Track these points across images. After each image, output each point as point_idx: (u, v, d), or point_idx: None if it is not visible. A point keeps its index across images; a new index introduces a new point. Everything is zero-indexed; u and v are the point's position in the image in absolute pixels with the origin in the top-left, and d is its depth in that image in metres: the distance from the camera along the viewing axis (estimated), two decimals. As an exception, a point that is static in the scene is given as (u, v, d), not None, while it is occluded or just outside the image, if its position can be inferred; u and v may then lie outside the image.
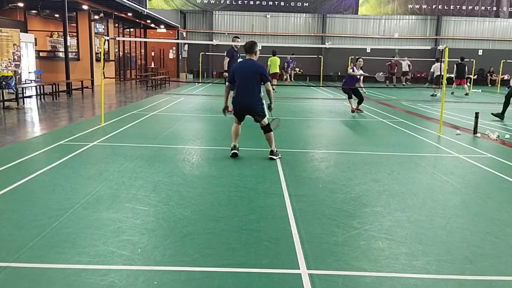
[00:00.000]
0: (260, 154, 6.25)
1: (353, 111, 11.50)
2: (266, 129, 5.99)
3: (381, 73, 21.94)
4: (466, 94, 19.34)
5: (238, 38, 10.94)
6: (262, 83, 5.91)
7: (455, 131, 8.73)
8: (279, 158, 5.95)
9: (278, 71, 18.83)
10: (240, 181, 4.86)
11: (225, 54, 10.68)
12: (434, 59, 22.45)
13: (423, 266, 2.93)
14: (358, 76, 11.54)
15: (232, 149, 6.03)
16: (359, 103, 11.66)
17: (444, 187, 4.85)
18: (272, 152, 6.01)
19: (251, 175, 5.10)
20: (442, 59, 23.42)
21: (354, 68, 11.60)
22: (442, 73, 21.14)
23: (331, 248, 3.16)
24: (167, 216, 3.69)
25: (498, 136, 8.06)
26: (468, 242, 3.36)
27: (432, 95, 18.95)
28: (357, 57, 12.06)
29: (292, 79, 27.51)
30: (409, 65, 25.26)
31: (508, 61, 26.00)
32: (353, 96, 11.50)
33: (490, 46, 30.65)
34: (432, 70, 20.10)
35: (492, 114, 10.32)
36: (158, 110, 11.29)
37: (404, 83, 25.04)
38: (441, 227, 3.65)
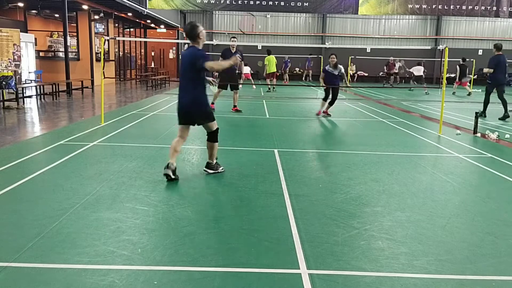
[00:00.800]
0: (260, 154, 6.25)
1: (318, 114, 10.78)
2: (212, 136, 4.99)
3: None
4: (469, 94, 19.40)
5: (235, 38, 10.99)
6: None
7: (455, 131, 8.73)
8: (218, 172, 5.07)
9: (275, 70, 18.79)
10: (240, 181, 4.86)
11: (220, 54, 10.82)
12: (420, 61, 23.23)
13: (423, 266, 2.93)
14: (337, 73, 10.47)
15: (165, 167, 4.68)
16: (330, 104, 10.75)
17: (444, 187, 4.85)
18: (209, 165, 5.08)
19: (251, 175, 5.10)
20: (423, 62, 23.77)
21: (328, 68, 10.52)
22: (421, 74, 21.73)
23: (331, 248, 3.16)
24: (167, 216, 3.69)
25: (498, 136, 8.06)
26: (468, 242, 3.36)
27: (410, 90, 21.46)
28: (330, 54, 10.71)
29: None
30: (400, 67, 25.12)
31: (508, 60, 25.97)
32: (329, 97, 10.57)
33: (490, 46, 30.52)
34: (411, 70, 22.13)
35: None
36: (158, 110, 11.29)
37: (391, 84, 24.86)
38: (441, 227, 3.65)
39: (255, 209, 3.96)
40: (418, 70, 22.03)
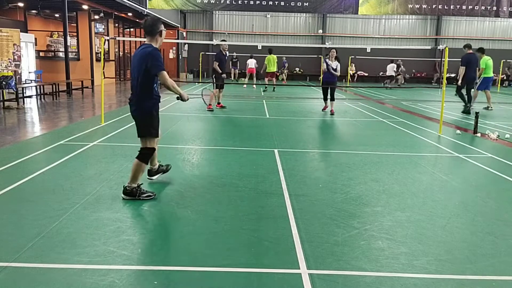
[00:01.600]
0: (260, 154, 6.25)
1: (324, 109, 11.74)
2: (141, 154, 4.10)
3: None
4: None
5: (225, 40, 11.21)
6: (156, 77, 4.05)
7: (455, 131, 8.73)
8: (139, 199, 4.04)
9: (275, 70, 18.78)
10: (240, 181, 4.86)
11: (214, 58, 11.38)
12: (394, 59, 23.11)
13: (423, 266, 2.93)
14: (334, 67, 10.88)
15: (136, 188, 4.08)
16: (330, 100, 11.26)
17: (444, 187, 4.85)
18: (126, 190, 4.04)
19: (251, 175, 5.10)
20: (398, 61, 23.75)
21: (327, 60, 10.94)
22: (393, 74, 22.01)
23: (331, 248, 3.16)
24: (167, 216, 3.69)
25: (498, 136, 8.06)
26: (468, 242, 3.36)
27: (386, 87, 22.03)
28: (330, 48, 11.27)
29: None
30: (396, 68, 24.97)
31: (508, 60, 25.99)
32: (327, 96, 11.28)
33: (490, 45, 30.61)
34: (387, 69, 22.63)
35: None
36: (158, 110, 11.27)
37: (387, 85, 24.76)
38: (441, 227, 3.65)
39: (255, 209, 3.96)
40: (390, 69, 22.14)
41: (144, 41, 4.19)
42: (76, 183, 4.55)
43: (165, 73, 4.01)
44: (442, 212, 4.00)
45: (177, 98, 4.32)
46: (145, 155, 4.12)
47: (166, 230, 3.41)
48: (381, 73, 27.11)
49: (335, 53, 10.98)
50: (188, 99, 4.31)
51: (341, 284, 2.67)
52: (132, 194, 4.04)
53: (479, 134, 8.30)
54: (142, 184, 4.18)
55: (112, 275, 2.67)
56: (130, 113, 4.21)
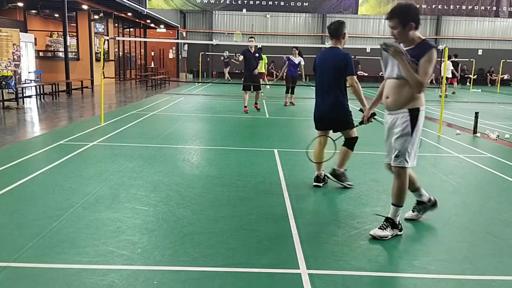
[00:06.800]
0: (260, 154, 6.25)
1: (285, 104, 12.94)
2: (350, 143, 4.62)
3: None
4: (453, 93, 19.19)
5: (253, 38, 11.13)
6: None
7: (455, 130, 8.73)
8: (341, 183, 4.64)
9: (263, 70, 18.69)
10: (240, 181, 4.86)
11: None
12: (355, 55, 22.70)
13: (423, 266, 2.93)
14: (297, 62, 12.72)
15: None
16: (291, 93, 13.15)
17: (444, 186, 4.85)
18: (335, 172, 4.63)
19: (251, 175, 5.10)
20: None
21: (291, 57, 12.91)
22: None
23: (331, 248, 3.16)
24: (167, 216, 3.69)
25: (498, 136, 8.06)
26: (468, 242, 3.36)
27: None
28: (293, 47, 13.25)
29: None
30: None
31: (508, 60, 26.00)
32: (289, 88, 12.88)
33: (490, 46, 30.65)
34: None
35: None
36: (158, 110, 11.28)
37: None
38: (441, 226, 3.65)
39: (255, 209, 3.96)
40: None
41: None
42: (76, 183, 4.55)
43: (355, 77, 4.42)
44: (441, 212, 4.00)
45: (360, 110, 4.36)
46: (353, 144, 4.61)
47: (166, 230, 3.40)
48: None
49: (296, 50, 12.87)
50: (370, 118, 4.15)
51: (341, 284, 2.67)
52: (339, 177, 4.59)
53: (478, 134, 8.30)
54: (347, 170, 4.67)
55: (112, 275, 2.67)
56: (318, 114, 4.59)
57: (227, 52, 23.94)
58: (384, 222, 3.37)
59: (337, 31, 4.41)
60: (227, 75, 27.92)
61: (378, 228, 3.36)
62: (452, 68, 18.56)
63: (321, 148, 4.67)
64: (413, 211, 3.76)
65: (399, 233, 3.39)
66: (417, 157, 3.46)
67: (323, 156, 4.64)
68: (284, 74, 13.50)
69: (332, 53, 4.45)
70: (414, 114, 3.28)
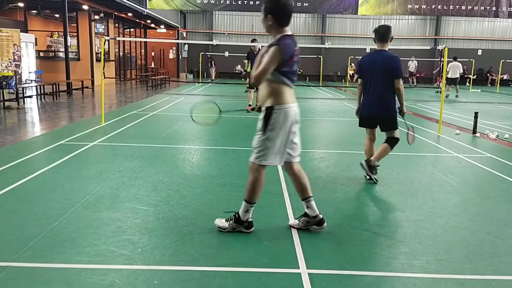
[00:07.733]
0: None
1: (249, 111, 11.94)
2: (393, 142, 4.86)
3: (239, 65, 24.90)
4: (447, 96, 17.64)
5: (255, 39, 11.26)
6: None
7: (454, 131, 8.73)
8: (370, 176, 4.87)
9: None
10: (240, 180, 4.86)
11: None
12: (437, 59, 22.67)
13: (423, 265, 2.93)
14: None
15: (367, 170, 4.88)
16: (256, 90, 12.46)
17: (443, 186, 4.86)
18: (370, 163, 4.88)
19: (251, 175, 5.09)
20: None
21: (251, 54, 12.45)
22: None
23: (331, 248, 3.17)
24: (167, 216, 3.69)
25: (498, 136, 8.07)
26: (468, 242, 3.36)
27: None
28: (252, 39, 12.18)
29: None
30: (416, 66, 24.65)
31: (507, 61, 26.01)
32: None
33: (490, 46, 30.66)
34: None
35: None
36: (158, 110, 11.29)
37: (411, 84, 24.34)
38: (441, 226, 3.65)
39: (255, 209, 3.95)
40: None
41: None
42: (76, 183, 4.55)
43: (401, 80, 4.65)
44: (441, 211, 4.01)
45: (398, 109, 4.77)
46: (395, 143, 4.83)
47: (166, 229, 3.41)
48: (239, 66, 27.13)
49: (256, 46, 12.21)
50: (405, 113, 4.85)
51: (341, 284, 2.67)
52: (371, 169, 4.80)
53: (478, 134, 8.31)
54: (379, 166, 4.89)
55: (112, 275, 2.68)
56: (366, 114, 4.83)
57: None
58: (232, 216, 3.40)
59: (387, 35, 4.76)
60: (213, 75, 28.03)
61: (225, 219, 3.43)
62: (461, 70, 18.12)
63: (370, 144, 4.97)
64: (297, 219, 3.56)
65: (244, 230, 3.36)
66: (280, 157, 3.44)
67: (374, 151, 4.94)
68: None
69: (383, 56, 4.71)
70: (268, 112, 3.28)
